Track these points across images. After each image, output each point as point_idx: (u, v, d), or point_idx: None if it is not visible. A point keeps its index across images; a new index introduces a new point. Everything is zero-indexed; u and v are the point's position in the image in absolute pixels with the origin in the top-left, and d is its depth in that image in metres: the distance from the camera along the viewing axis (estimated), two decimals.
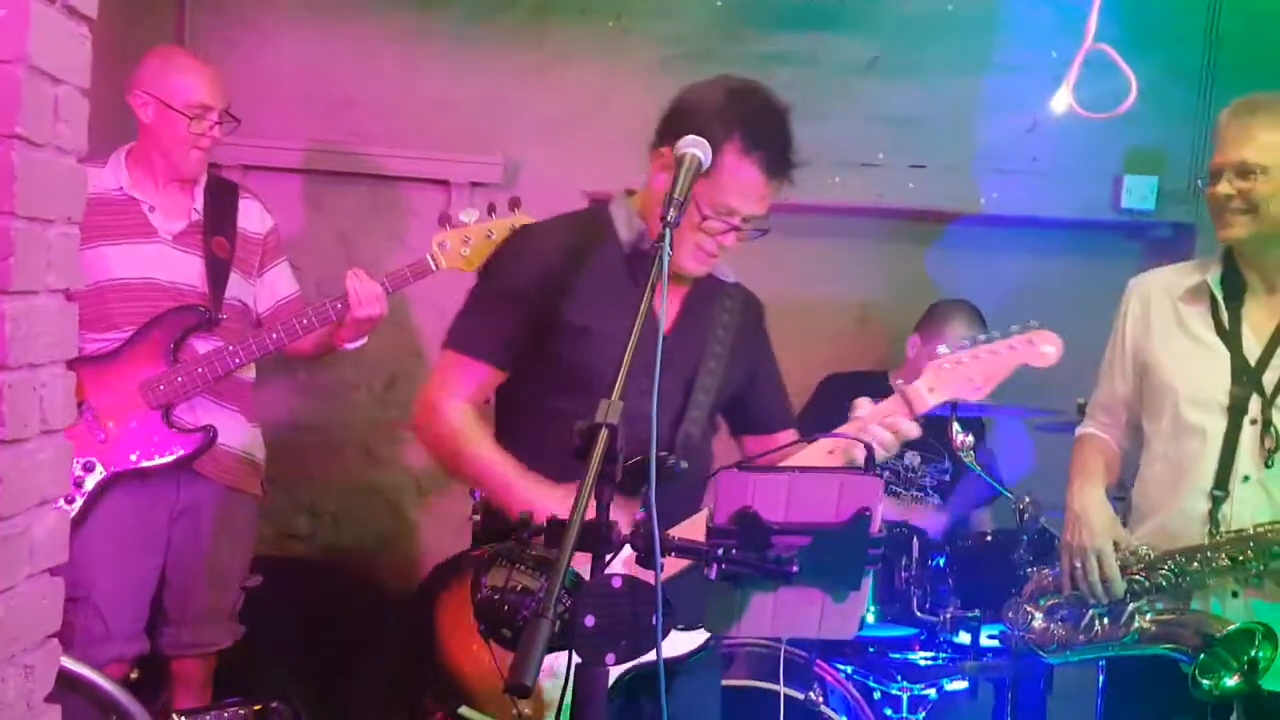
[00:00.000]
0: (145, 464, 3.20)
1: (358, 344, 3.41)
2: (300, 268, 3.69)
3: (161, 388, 3.20)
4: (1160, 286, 2.84)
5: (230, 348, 3.26)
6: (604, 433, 1.72)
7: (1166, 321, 2.79)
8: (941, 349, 2.34)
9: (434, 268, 3.25)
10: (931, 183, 4.22)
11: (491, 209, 3.30)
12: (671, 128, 2.39)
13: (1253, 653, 2.51)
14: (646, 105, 2.50)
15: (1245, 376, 2.65)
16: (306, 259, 4.11)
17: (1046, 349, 2.36)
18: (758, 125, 2.29)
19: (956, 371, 2.33)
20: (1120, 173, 4.21)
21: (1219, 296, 2.72)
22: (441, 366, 2.49)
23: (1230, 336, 2.69)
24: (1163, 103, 3.90)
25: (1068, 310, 4.11)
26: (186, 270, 3.30)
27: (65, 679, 2.05)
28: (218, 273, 3.33)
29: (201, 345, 3.28)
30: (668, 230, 1.93)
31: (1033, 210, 4.24)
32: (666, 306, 2.45)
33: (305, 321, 3.27)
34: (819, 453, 2.34)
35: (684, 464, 2.01)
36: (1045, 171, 4.22)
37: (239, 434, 3.40)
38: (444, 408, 2.43)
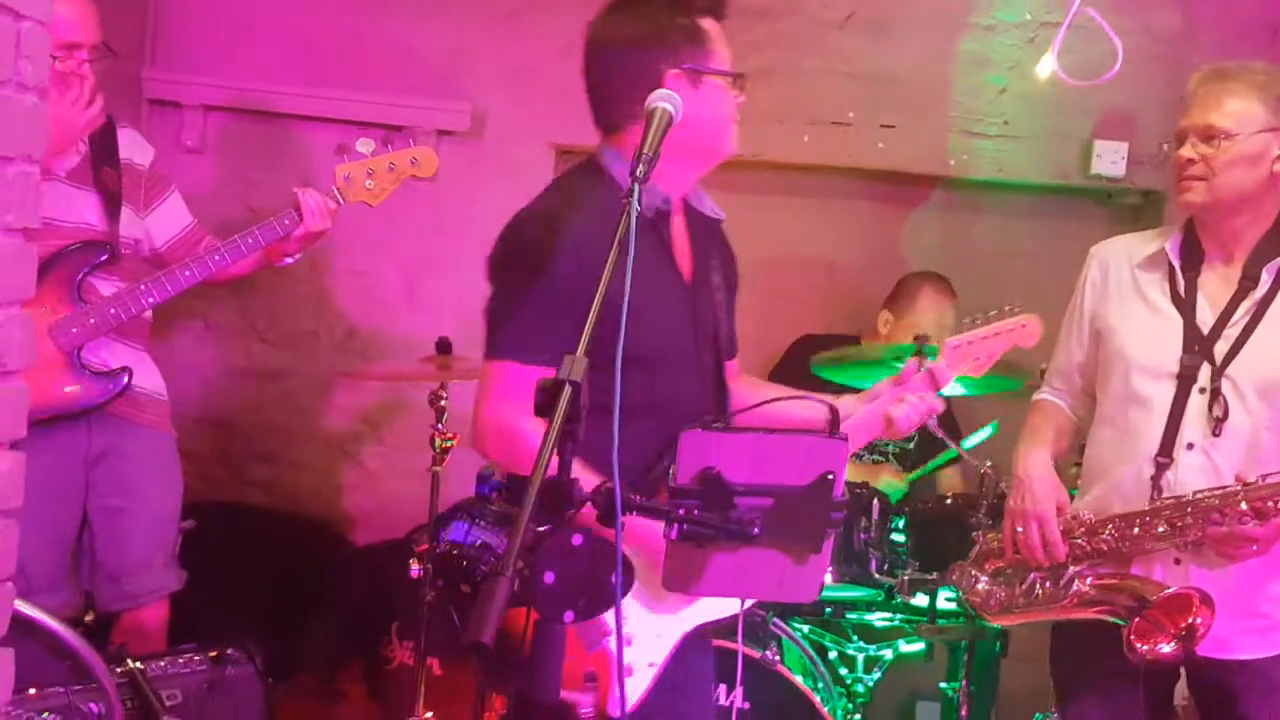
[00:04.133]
0: (64, 410, 3.01)
1: (294, 259, 3.36)
2: (261, 212, 3.61)
3: (74, 330, 3.04)
4: (1120, 253, 2.83)
5: (143, 285, 3.12)
6: (567, 389, 1.70)
7: (1124, 288, 2.78)
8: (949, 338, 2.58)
9: (339, 201, 3.20)
10: (901, 143, 4.19)
11: (388, 141, 3.26)
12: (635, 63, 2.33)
13: (1190, 619, 2.52)
14: None
15: (1197, 345, 2.66)
16: (272, 203, 4.04)
17: (1034, 333, 2.60)
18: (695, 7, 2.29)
19: (967, 350, 2.53)
20: (1091, 137, 4.19)
21: (1175, 265, 2.72)
22: (498, 381, 2.26)
23: (1185, 305, 2.70)
24: (1135, 67, 3.90)
25: (1036, 275, 4.17)
26: (83, 208, 3.14)
27: (20, 623, 2.03)
28: (112, 207, 3.18)
29: (102, 285, 3.14)
30: (636, 185, 1.90)
31: (1002, 173, 4.23)
32: (680, 255, 2.37)
33: (250, 240, 3.18)
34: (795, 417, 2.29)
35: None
36: (1016, 134, 4.20)
37: (148, 373, 3.28)
38: (522, 429, 2.18)
